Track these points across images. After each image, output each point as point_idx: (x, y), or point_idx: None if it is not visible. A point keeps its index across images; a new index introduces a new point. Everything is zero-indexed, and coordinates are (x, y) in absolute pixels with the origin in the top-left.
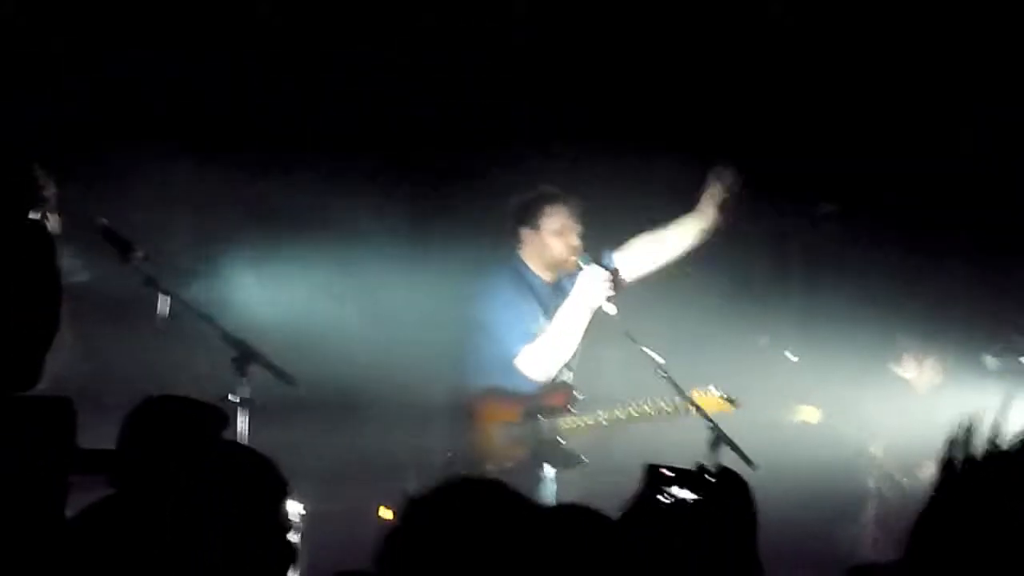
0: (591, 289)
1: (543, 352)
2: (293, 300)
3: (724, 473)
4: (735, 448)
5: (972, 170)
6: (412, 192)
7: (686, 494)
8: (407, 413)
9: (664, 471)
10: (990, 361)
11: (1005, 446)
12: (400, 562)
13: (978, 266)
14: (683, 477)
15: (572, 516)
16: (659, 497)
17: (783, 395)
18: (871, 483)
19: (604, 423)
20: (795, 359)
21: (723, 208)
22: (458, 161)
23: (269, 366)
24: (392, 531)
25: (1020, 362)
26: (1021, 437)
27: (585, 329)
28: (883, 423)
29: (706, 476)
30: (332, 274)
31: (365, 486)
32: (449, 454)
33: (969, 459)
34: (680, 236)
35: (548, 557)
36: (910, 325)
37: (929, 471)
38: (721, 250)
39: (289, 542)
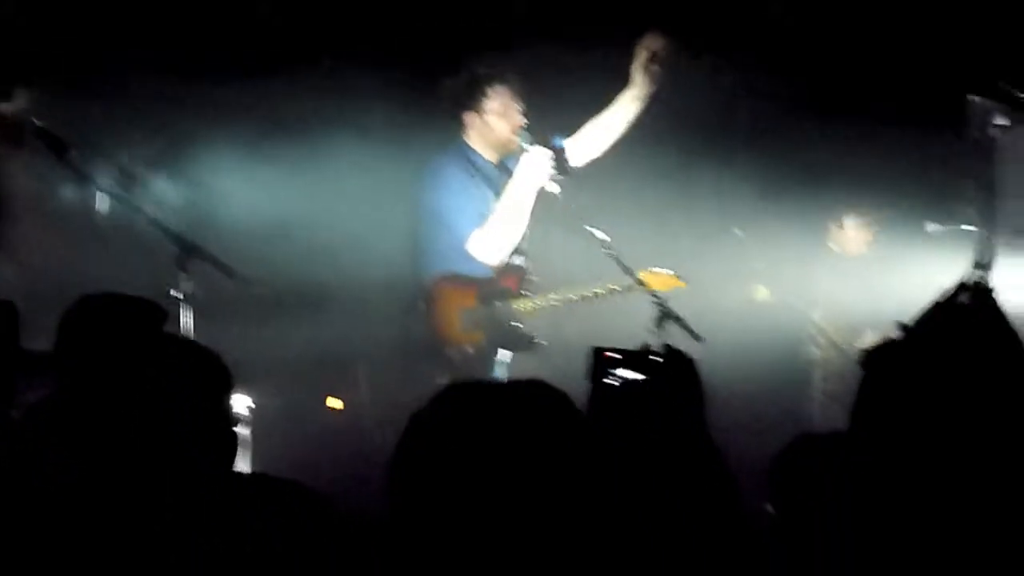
0: (534, 168)
1: (492, 234)
2: (240, 197)
3: (669, 352)
4: (681, 323)
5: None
6: (356, 84)
7: (633, 375)
8: (362, 305)
9: (610, 354)
10: (931, 227)
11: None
12: (410, 482)
13: (920, 135)
14: (629, 358)
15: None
16: (606, 380)
17: (732, 272)
18: (816, 352)
19: (557, 304)
20: (741, 235)
21: (651, 73)
22: (402, 50)
23: (210, 260)
24: (397, 450)
25: (962, 229)
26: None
27: (532, 210)
28: (825, 293)
29: (651, 356)
30: (280, 170)
31: (317, 379)
32: (412, 333)
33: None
34: (619, 114)
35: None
36: (850, 195)
37: (869, 338)
38: (666, 126)
39: (234, 433)
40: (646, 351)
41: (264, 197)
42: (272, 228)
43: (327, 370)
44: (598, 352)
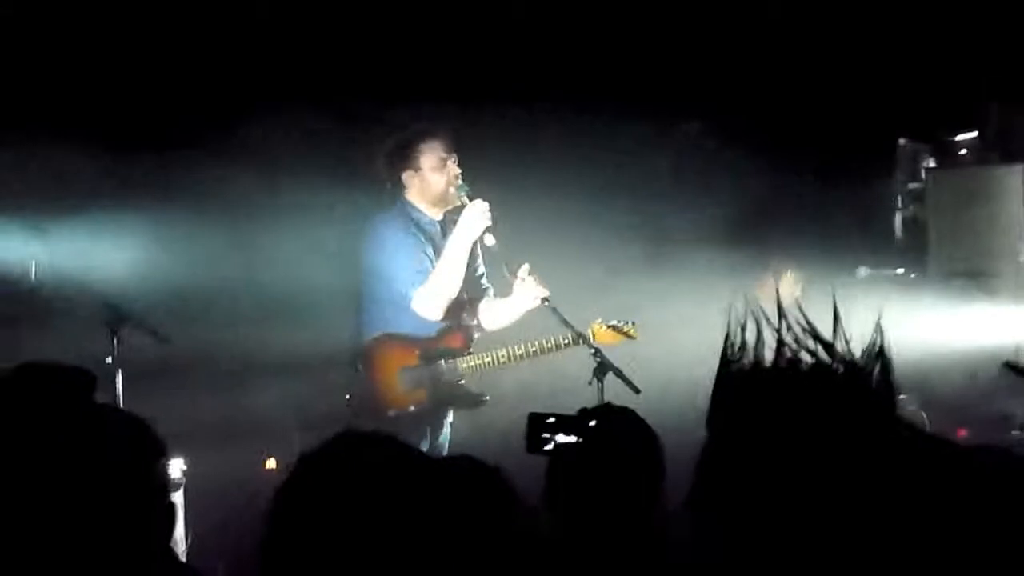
0: (472, 221)
1: (434, 290)
2: (174, 260)
3: (606, 412)
4: (619, 375)
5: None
6: (301, 143)
7: (568, 439)
8: (302, 366)
9: (547, 419)
10: (862, 271)
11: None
12: (289, 518)
13: (849, 179)
14: (564, 422)
15: (463, 468)
16: (544, 446)
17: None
18: None
19: (504, 361)
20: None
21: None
22: (338, 111)
23: (142, 326)
24: (281, 487)
25: (896, 273)
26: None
27: (476, 264)
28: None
29: (588, 420)
30: (217, 230)
31: (255, 442)
32: (348, 396)
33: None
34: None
35: (437, 511)
36: (778, 243)
37: None
38: (605, 177)
39: (169, 502)
40: (582, 414)
41: (201, 260)
42: (208, 291)
43: (264, 433)
44: (533, 417)
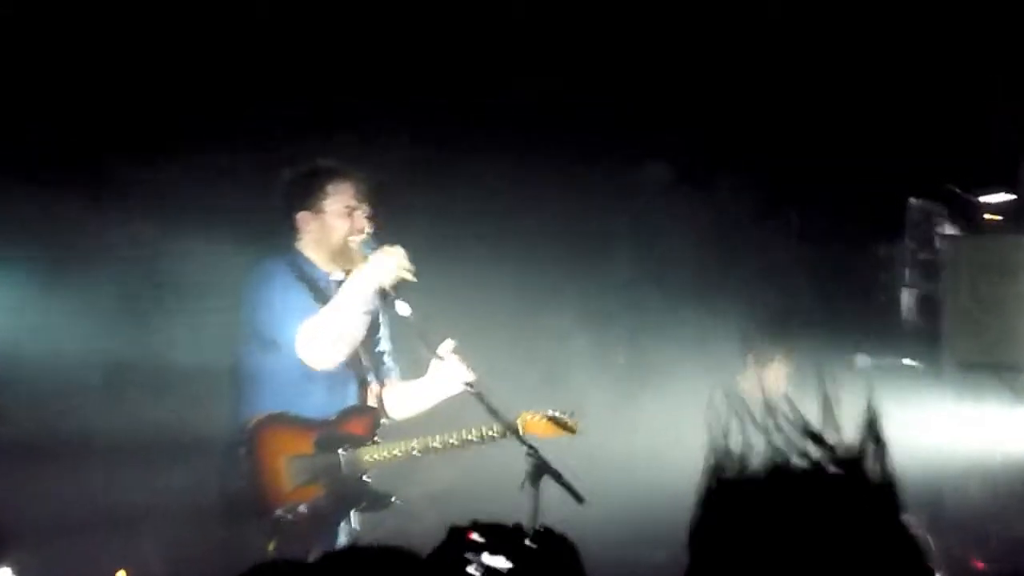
0: (378, 264)
1: (323, 328)
2: (12, 316)
3: (546, 536)
4: (559, 479)
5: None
6: (158, 182)
7: (499, 563)
8: (164, 449)
9: (473, 536)
10: (862, 360)
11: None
12: None
13: (849, 245)
14: (496, 541)
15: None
16: (467, 568)
17: (619, 415)
18: None
19: (416, 453)
20: (621, 362)
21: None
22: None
23: None
24: None
25: (902, 363)
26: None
27: (375, 334)
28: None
29: (523, 540)
30: (59, 287)
31: (104, 546)
32: (229, 487)
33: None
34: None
35: None
36: (762, 322)
37: None
38: (540, 239)
39: None
40: (517, 532)
41: (47, 318)
42: (55, 357)
43: (114, 535)
44: (456, 532)
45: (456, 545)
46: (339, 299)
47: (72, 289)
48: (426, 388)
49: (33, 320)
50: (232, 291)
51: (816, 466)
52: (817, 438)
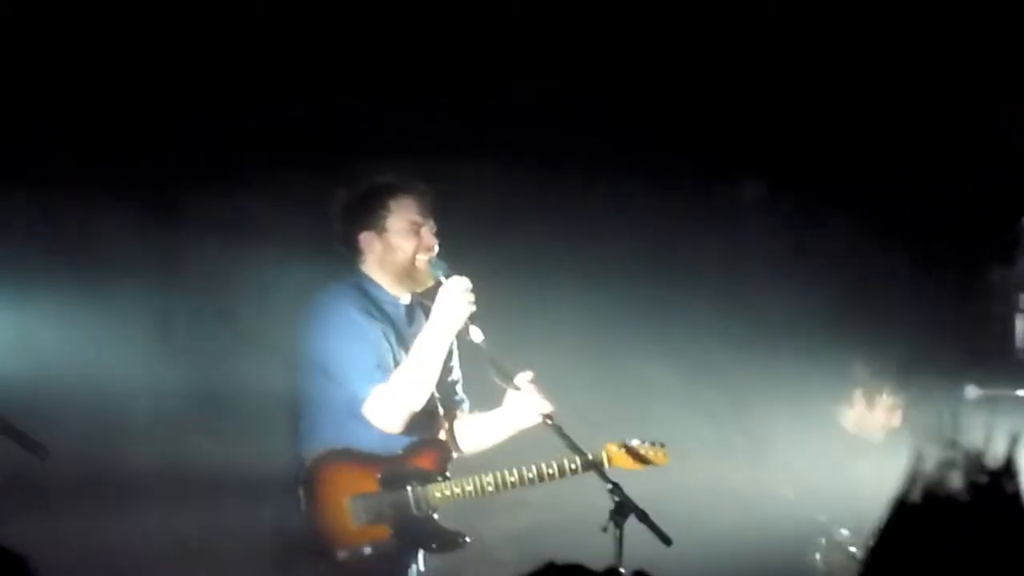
0: (454, 304)
1: (397, 394)
2: (55, 344)
3: None
4: (644, 519)
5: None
6: (212, 206)
7: None
8: (219, 489)
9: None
10: (972, 391)
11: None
12: None
13: (956, 272)
14: None
15: None
16: None
17: (706, 450)
18: (820, 560)
19: (491, 490)
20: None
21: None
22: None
23: (13, 433)
24: None
25: (1018, 394)
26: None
27: (452, 364)
28: (832, 483)
29: None
30: (100, 309)
31: None
32: (287, 528)
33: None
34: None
35: None
36: (868, 358)
37: None
38: (630, 263)
39: None
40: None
41: (93, 347)
42: (101, 389)
43: None
44: (552, 571)
45: None
46: (415, 359)
47: (124, 317)
48: (500, 420)
49: (84, 352)
50: (294, 319)
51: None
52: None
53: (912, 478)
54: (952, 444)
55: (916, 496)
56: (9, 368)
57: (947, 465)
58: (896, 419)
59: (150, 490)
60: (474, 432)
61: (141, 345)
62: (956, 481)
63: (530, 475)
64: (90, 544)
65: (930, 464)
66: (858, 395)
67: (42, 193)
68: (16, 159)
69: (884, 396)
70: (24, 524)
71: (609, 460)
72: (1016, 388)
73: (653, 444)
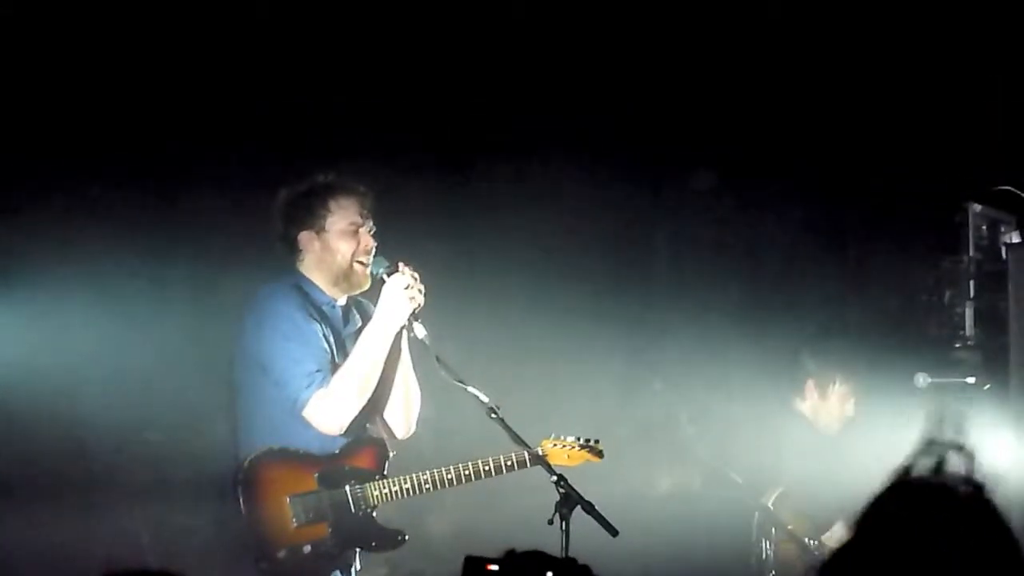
0: (396, 300)
1: (338, 397)
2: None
3: (568, 566)
4: (590, 510)
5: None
6: (157, 202)
7: None
8: (155, 490)
9: (490, 567)
10: (922, 379)
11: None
12: None
13: (905, 258)
14: (511, 570)
15: None
16: None
17: (657, 442)
18: (770, 550)
19: (428, 487)
20: (661, 389)
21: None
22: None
23: None
24: None
25: (965, 382)
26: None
27: (387, 359)
28: (784, 473)
29: (544, 570)
30: (51, 307)
31: None
32: (228, 528)
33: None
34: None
35: None
36: (810, 343)
37: (841, 535)
38: (572, 250)
39: None
40: (539, 561)
41: (29, 342)
42: (41, 384)
43: None
44: (472, 561)
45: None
46: (358, 360)
47: (74, 306)
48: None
49: (14, 339)
50: (232, 317)
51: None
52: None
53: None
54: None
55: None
56: None
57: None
58: (850, 408)
59: (94, 494)
60: (407, 413)
61: (91, 340)
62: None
63: (467, 472)
64: (39, 545)
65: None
66: (810, 386)
67: None
68: None
69: (836, 385)
70: None
71: (547, 456)
72: (965, 376)
73: (588, 441)
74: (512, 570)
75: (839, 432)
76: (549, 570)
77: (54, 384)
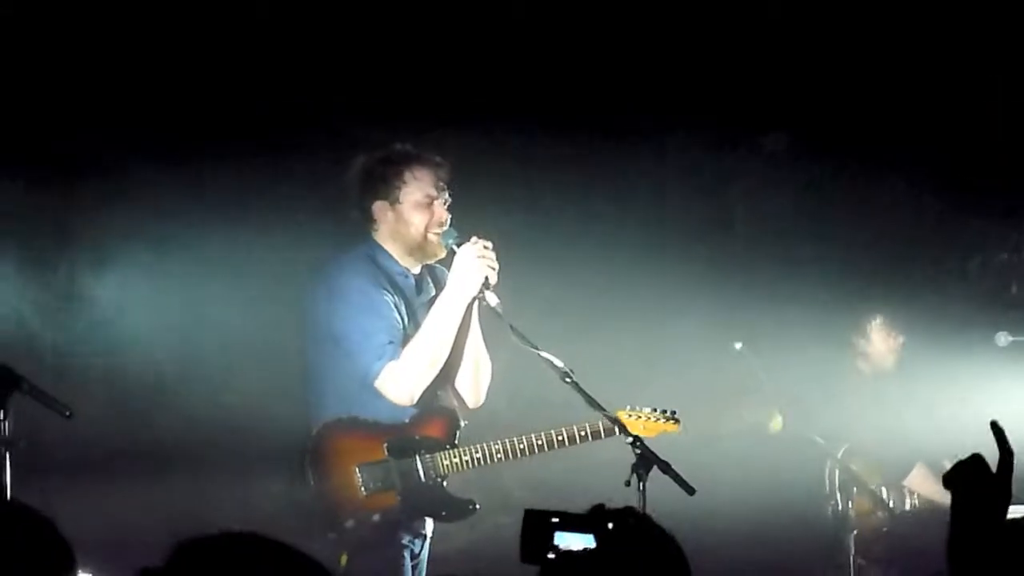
0: (469, 270)
1: (410, 368)
2: (73, 311)
3: (628, 515)
4: (667, 470)
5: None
6: (232, 169)
7: (578, 544)
8: (231, 458)
9: (550, 518)
10: (1003, 338)
11: None
12: None
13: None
14: (572, 521)
15: None
16: (544, 552)
17: (731, 400)
18: (847, 503)
19: (499, 458)
20: (740, 349)
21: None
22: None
23: (37, 394)
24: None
25: None
26: None
27: (465, 330)
28: (855, 422)
29: (605, 522)
30: (125, 276)
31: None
32: (297, 497)
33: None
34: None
35: None
36: (882, 294)
37: (918, 479)
38: (639, 218)
39: None
40: (598, 514)
41: (108, 314)
42: (119, 354)
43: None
44: (532, 514)
45: (534, 529)
46: (429, 332)
47: (140, 278)
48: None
49: (95, 309)
50: (306, 288)
51: None
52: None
53: None
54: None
55: None
56: (29, 336)
57: None
58: (901, 356)
59: (162, 461)
60: (479, 382)
61: (167, 311)
62: None
63: (539, 443)
64: (118, 513)
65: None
66: (876, 334)
67: None
68: None
69: (894, 337)
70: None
71: (619, 427)
72: None
73: (665, 411)
74: (573, 522)
75: (893, 379)
76: (610, 521)
77: (134, 348)
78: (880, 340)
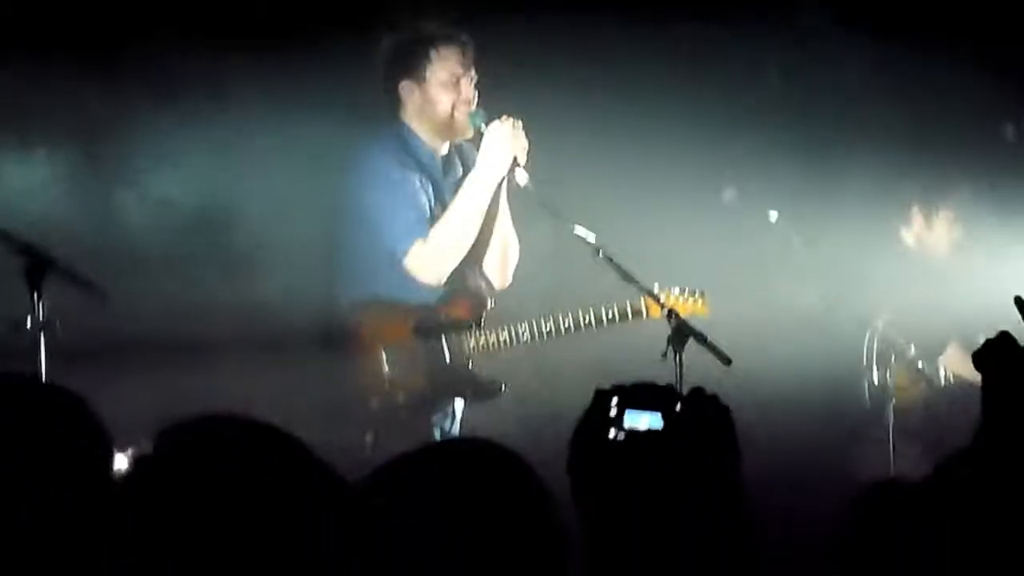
0: (498, 149)
1: (438, 246)
2: (104, 193)
3: (696, 396)
4: (703, 341)
5: None
6: (255, 45)
7: (646, 423)
8: (259, 340)
9: (615, 395)
10: None
11: None
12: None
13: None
14: (643, 398)
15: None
16: (611, 431)
17: (769, 270)
18: (887, 377)
19: (527, 340)
20: (774, 217)
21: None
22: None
23: (71, 276)
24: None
25: None
26: None
27: (493, 209)
28: (896, 299)
29: (673, 401)
30: (158, 160)
31: None
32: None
33: None
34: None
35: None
36: (932, 169)
37: (956, 357)
38: (675, 84)
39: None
40: (667, 393)
41: (138, 195)
42: (149, 237)
43: None
44: (601, 396)
45: (600, 409)
46: (457, 211)
47: (165, 161)
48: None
49: (127, 190)
50: (332, 168)
51: None
52: None
53: None
54: None
55: None
56: (63, 217)
57: None
58: (957, 233)
59: (191, 346)
60: (507, 261)
61: (180, 196)
62: None
63: (566, 324)
64: (154, 397)
65: None
66: (914, 212)
67: None
68: None
69: (941, 211)
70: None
71: (647, 310)
72: None
73: (692, 293)
74: (639, 401)
75: (948, 260)
76: (679, 402)
77: (173, 228)
78: (934, 223)
